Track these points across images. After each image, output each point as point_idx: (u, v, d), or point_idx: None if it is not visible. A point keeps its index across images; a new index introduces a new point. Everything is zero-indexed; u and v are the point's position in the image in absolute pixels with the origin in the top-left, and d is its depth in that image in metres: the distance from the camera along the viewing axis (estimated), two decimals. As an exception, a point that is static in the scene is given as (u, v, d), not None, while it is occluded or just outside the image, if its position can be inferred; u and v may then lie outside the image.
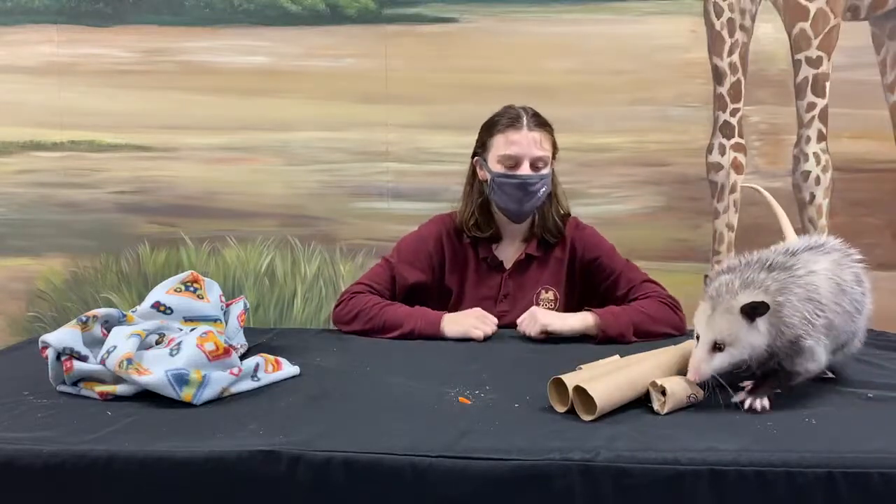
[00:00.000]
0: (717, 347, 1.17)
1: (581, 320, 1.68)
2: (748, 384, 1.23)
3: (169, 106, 2.94)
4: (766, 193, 1.63)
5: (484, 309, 1.76)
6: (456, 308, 1.83)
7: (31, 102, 2.97)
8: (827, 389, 1.29)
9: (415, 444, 1.05)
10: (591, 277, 1.87)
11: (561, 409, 1.18)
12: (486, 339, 1.69)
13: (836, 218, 2.76)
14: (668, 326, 1.69)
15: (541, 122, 1.82)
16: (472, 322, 1.70)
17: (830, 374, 1.36)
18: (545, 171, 1.80)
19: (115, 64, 2.95)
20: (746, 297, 1.16)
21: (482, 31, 2.84)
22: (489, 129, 1.84)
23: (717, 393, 1.18)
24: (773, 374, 1.21)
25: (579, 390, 1.15)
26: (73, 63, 2.95)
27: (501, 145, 1.80)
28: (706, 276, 1.25)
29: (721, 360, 1.17)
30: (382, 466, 1.02)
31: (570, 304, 1.87)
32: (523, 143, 1.78)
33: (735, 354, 1.17)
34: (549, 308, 1.82)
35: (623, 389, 1.18)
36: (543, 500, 1.01)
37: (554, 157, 1.86)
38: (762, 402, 1.18)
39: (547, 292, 1.86)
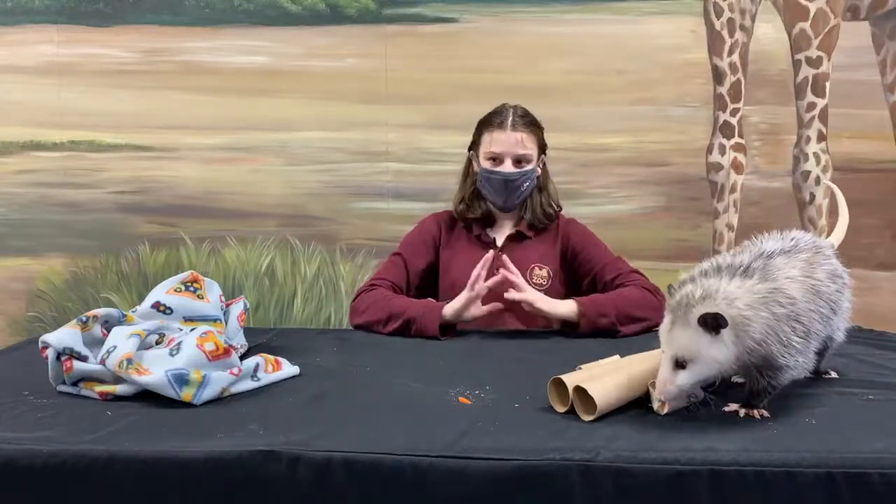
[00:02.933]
0: (679, 364, 1.09)
1: (566, 307, 1.74)
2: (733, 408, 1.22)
3: (169, 106, 2.94)
4: (839, 193, 1.58)
5: (477, 284, 1.75)
6: (445, 279, 1.94)
7: (31, 102, 2.97)
8: (827, 389, 1.29)
9: (415, 444, 1.05)
10: (579, 267, 1.94)
11: (561, 409, 1.18)
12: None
13: (836, 218, 2.75)
14: (647, 309, 1.73)
15: (527, 122, 1.92)
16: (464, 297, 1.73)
17: (833, 374, 1.36)
18: (528, 167, 1.92)
19: (115, 64, 2.95)
20: (704, 310, 1.07)
21: (482, 31, 2.84)
22: (480, 127, 1.97)
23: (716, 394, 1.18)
24: (760, 388, 1.15)
25: (579, 390, 1.15)
26: (73, 63, 2.95)
27: (488, 143, 1.92)
28: (670, 286, 1.16)
29: (685, 378, 1.09)
30: (382, 466, 1.02)
31: (564, 283, 1.94)
32: (506, 142, 1.89)
33: (700, 371, 1.09)
34: (541, 284, 1.88)
35: (623, 389, 1.18)
36: (543, 500, 1.01)
37: (544, 153, 1.97)
38: (759, 412, 1.16)
39: (541, 269, 1.91)
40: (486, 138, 1.92)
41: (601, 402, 1.13)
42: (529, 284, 1.79)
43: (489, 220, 1.98)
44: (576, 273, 1.94)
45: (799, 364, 1.14)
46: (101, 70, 2.94)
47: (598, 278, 1.89)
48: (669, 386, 1.10)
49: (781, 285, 1.12)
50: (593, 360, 1.33)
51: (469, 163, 2.02)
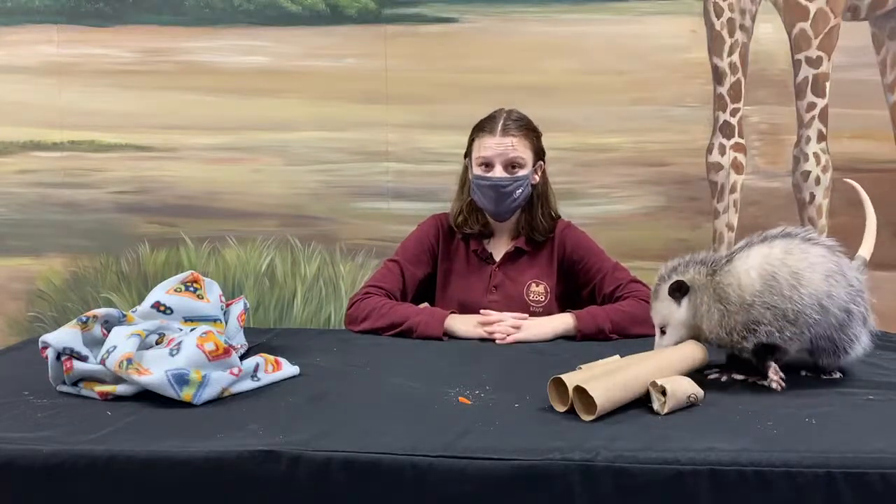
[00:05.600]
0: (662, 331, 1.38)
1: (561, 322, 1.73)
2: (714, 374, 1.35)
3: (169, 106, 2.94)
4: (862, 191, 1.60)
5: (474, 300, 1.81)
6: (443, 295, 1.92)
7: (31, 102, 2.96)
8: (827, 389, 1.29)
9: (415, 444, 1.05)
10: (577, 276, 1.91)
11: (561, 409, 1.18)
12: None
13: (836, 218, 2.76)
14: (645, 325, 1.69)
15: (519, 126, 1.87)
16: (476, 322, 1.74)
17: (837, 374, 1.36)
18: (521, 173, 1.86)
19: (115, 64, 2.95)
20: (668, 283, 1.35)
21: (482, 31, 2.84)
22: (473, 133, 1.93)
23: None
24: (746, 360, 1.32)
25: (579, 390, 1.15)
26: (73, 63, 2.94)
27: (478, 149, 1.87)
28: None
29: (665, 340, 1.37)
30: (382, 466, 1.02)
31: (562, 298, 1.91)
32: (495, 147, 1.84)
33: (674, 333, 1.36)
34: (539, 301, 1.86)
35: (623, 389, 1.18)
36: (543, 500, 1.01)
37: (542, 160, 1.92)
38: (775, 379, 1.27)
39: (538, 285, 1.89)
40: (477, 144, 1.88)
41: (601, 402, 1.13)
42: (526, 301, 1.85)
43: (487, 233, 1.95)
44: (575, 282, 1.91)
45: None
46: (101, 70, 2.94)
47: (597, 289, 1.86)
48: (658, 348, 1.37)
49: (728, 275, 1.31)
50: (593, 360, 1.33)
51: (465, 171, 1.97)
